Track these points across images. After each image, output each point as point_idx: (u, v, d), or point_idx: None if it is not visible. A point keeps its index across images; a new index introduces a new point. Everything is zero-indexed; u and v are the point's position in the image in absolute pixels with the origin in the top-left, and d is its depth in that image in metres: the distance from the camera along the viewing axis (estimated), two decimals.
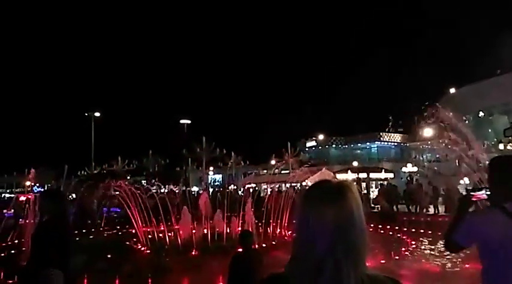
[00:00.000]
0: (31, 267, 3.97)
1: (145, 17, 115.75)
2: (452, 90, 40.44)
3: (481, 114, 36.71)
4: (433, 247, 11.45)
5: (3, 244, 12.53)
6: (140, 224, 12.02)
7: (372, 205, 22.22)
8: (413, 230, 13.99)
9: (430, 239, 12.60)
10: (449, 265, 8.70)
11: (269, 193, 15.41)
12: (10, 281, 7.74)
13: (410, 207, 21.72)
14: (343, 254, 1.11)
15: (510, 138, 27.51)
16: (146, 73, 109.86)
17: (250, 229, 10.26)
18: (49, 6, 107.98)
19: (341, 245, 1.12)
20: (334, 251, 1.11)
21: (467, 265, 8.44)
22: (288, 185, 17.66)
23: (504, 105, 33.52)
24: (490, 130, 36.55)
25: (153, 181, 16.44)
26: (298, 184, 24.93)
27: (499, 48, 34.36)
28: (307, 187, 1.32)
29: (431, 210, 20.83)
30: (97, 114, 42.11)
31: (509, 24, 37.96)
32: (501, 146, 28.51)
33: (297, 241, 1.20)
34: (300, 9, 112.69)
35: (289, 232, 13.00)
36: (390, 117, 52.34)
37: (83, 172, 46.07)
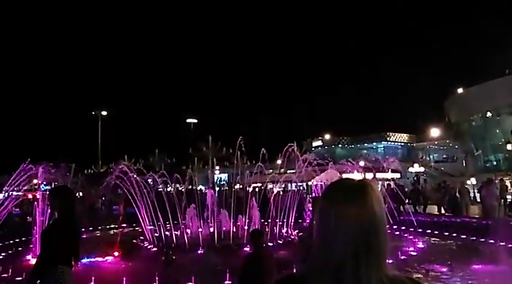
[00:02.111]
0: (41, 264, 4.01)
1: (152, 16, 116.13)
2: (460, 90, 40.15)
3: (489, 114, 36.43)
4: (439, 247, 11.42)
5: (11, 241, 12.65)
6: (147, 222, 12.07)
7: None
8: (419, 230, 13.92)
9: (437, 239, 12.56)
10: (455, 264, 8.65)
11: (275, 192, 15.39)
12: (18, 278, 7.80)
13: (416, 207, 21.62)
14: (364, 256, 1.09)
15: None
16: (153, 72, 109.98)
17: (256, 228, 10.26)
18: (56, 4, 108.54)
19: (363, 246, 1.09)
20: (355, 253, 1.09)
21: (475, 266, 8.42)
22: (294, 184, 17.65)
23: None
24: (497, 131, 36.28)
25: (161, 172, 16.38)
26: (304, 184, 24.92)
27: (507, 48, 34.10)
28: (324, 186, 1.30)
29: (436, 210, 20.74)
30: (104, 113, 42.34)
31: None
32: (509, 146, 28.26)
33: (316, 241, 1.16)
34: (308, 6, 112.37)
35: (296, 231, 12.99)
36: None
37: (89, 170, 46.36)
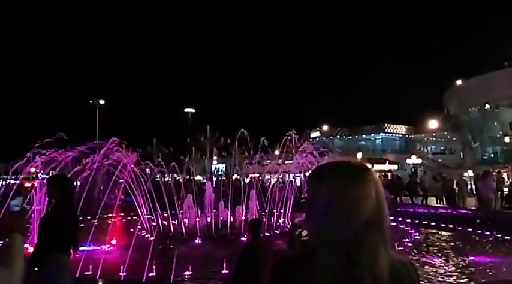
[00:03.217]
0: (38, 252, 4.00)
1: (151, 5, 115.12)
2: (458, 82, 40.07)
3: (487, 106, 36.39)
4: (435, 238, 11.49)
5: None
6: (144, 211, 12.09)
7: None
8: (416, 221, 13.98)
9: (433, 230, 12.63)
10: (452, 256, 8.71)
11: (273, 182, 15.40)
12: None
13: (414, 199, 21.73)
14: (377, 236, 1.10)
15: None
16: (152, 61, 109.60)
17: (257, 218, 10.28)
18: None
19: (374, 228, 1.10)
20: (368, 234, 1.09)
21: (471, 257, 8.47)
22: (292, 175, 17.65)
23: (511, 98, 33.21)
24: (495, 123, 36.31)
25: (158, 161, 16.23)
26: (302, 174, 24.93)
27: (506, 41, 34.00)
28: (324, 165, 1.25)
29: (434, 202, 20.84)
30: (102, 102, 42.08)
31: None
32: (507, 139, 28.30)
33: (323, 222, 1.12)
34: (311, 5, 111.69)
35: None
36: None
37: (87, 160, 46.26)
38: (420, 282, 1.18)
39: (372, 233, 1.10)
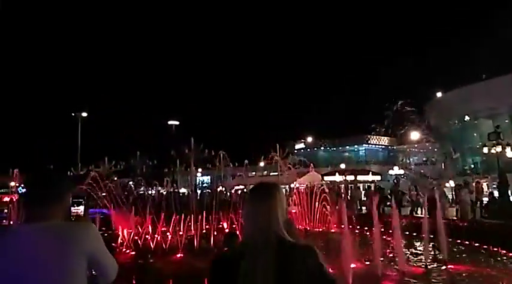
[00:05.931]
0: None
1: (132, 16, 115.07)
2: (439, 95, 40.94)
3: (467, 118, 37.21)
4: (416, 248, 11.61)
5: None
6: (125, 225, 11.93)
7: (359, 207, 22.51)
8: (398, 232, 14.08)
9: (414, 240, 12.76)
10: (432, 265, 8.82)
11: None
12: None
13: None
14: (266, 231, 1.76)
15: (494, 142, 27.99)
16: (135, 73, 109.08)
17: (239, 231, 10.24)
18: (36, 5, 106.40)
19: (265, 225, 1.78)
20: (265, 227, 1.78)
21: (450, 266, 8.60)
22: None
23: (489, 110, 34.03)
24: (475, 134, 37.08)
25: (138, 179, 16.19)
26: (287, 186, 25.00)
27: (484, 53, 35.03)
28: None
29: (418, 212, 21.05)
30: (84, 115, 41.64)
31: (493, 30, 38.82)
32: (485, 150, 28.91)
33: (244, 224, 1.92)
34: (291, 13, 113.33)
35: None
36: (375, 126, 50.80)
37: (69, 173, 45.51)
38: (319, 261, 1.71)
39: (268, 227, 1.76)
